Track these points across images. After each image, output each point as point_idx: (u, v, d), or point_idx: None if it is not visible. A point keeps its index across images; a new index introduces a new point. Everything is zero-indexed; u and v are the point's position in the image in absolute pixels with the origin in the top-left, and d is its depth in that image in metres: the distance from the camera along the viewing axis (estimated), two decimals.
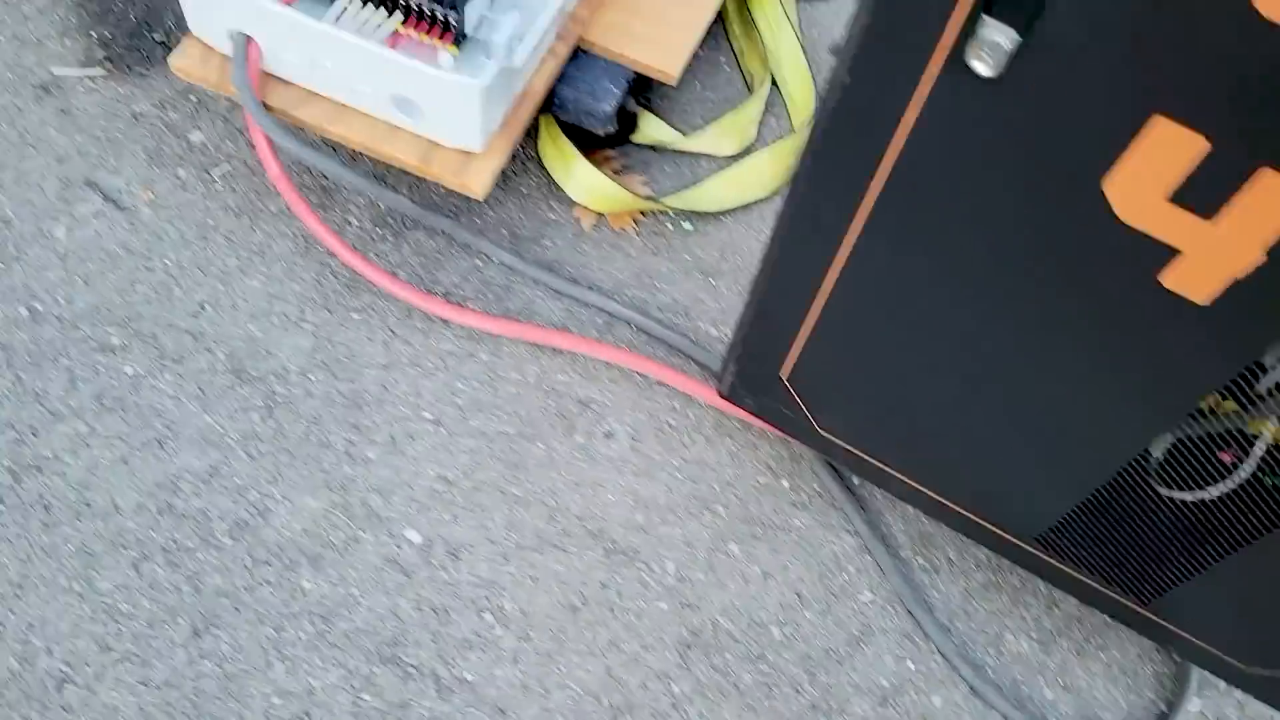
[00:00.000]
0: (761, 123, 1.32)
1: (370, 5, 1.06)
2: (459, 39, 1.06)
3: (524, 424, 1.12)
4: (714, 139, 1.28)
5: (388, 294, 1.16)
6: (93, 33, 1.27)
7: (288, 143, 1.06)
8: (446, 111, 1.03)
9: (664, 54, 1.18)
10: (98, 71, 1.25)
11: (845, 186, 0.72)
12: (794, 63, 1.34)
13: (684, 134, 1.28)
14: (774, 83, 1.34)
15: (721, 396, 1.03)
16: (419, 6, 1.04)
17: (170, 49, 1.27)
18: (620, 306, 1.17)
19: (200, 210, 1.19)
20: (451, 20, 1.04)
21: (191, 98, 1.25)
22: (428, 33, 1.06)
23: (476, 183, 1.07)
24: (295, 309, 1.15)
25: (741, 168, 1.27)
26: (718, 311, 1.20)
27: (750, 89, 1.34)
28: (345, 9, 1.05)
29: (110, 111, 1.23)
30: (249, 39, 1.04)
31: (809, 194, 0.76)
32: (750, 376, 0.97)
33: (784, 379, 0.94)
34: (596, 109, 1.17)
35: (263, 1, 1.00)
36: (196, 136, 1.23)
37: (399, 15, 1.05)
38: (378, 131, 1.07)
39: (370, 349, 1.14)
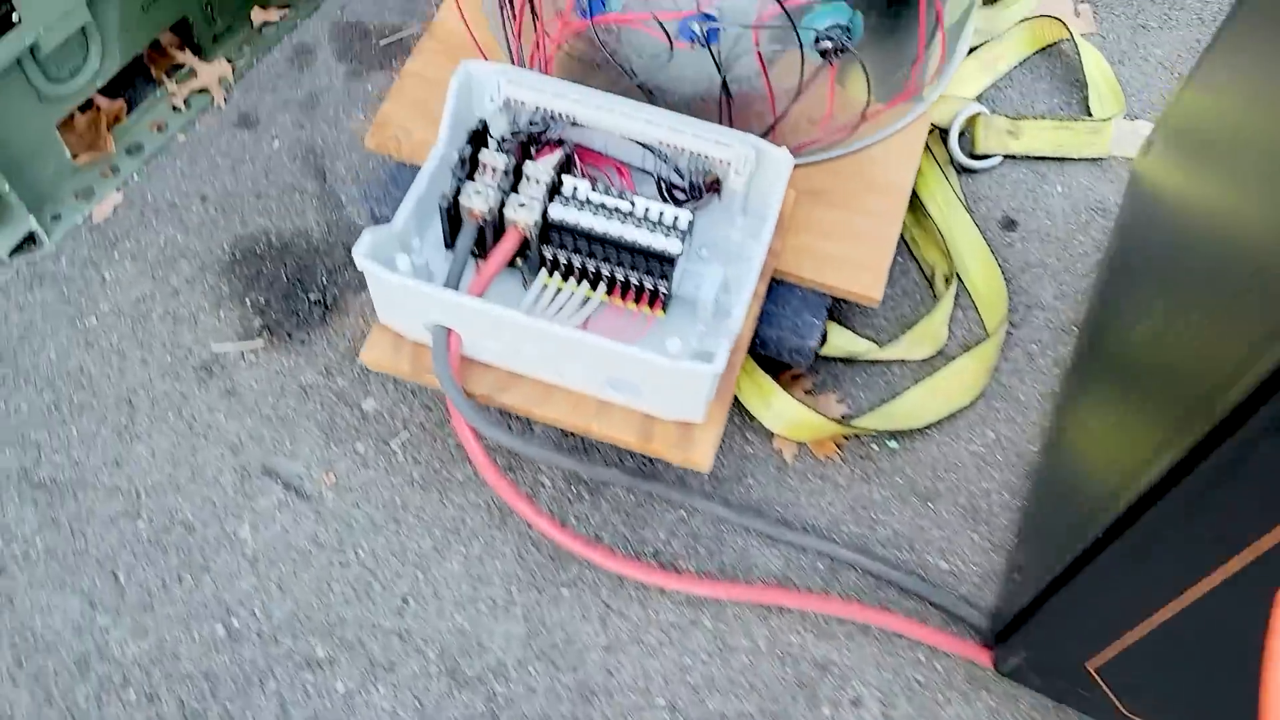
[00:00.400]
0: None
1: (572, 279, 0.99)
2: (666, 303, 0.99)
3: (765, 699, 1.03)
4: (907, 347, 1.21)
5: (596, 565, 1.08)
6: (246, 300, 1.21)
7: (492, 432, 0.99)
8: (671, 392, 0.96)
9: (863, 276, 1.10)
10: (257, 344, 1.19)
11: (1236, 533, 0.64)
12: (974, 250, 1.26)
13: (877, 344, 1.21)
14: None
15: (997, 669, 0.94)
16: (625, 279, 0.98)
17: (327, 307, 1.21)
18: (841, 549, 1.09)
19: (386, 488, 1.12)
20: (661, 289, 0.98)
21: (359, 362, 1.19)
22: (635, 302, 0.99)
23: (701, 455, 0.99)
24: (501, 591, 1.07)
25: (941, 377, 1.19)
26: (943, 541, 1.12)
27: (928, 279, 1.27)
28: (544, 287, 0.99)
29: (277, 387, 1.17)
30: (449, 330, 0.98)
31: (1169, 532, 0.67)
32: (1044, 666, 0.88)
33: (1092, 670, 0.85)
34: (803, 346, 1.09)
35: (461, 299, 0.94)
36: (370, 405, 1.17)
37: (602, 289, 0.98)
38: (587, 410, 1.00)
39: (587, 629, 1.06)
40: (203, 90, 1.34)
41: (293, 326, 1.20)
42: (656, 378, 0.95)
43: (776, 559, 1.10)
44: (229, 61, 1.36)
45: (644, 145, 1.04)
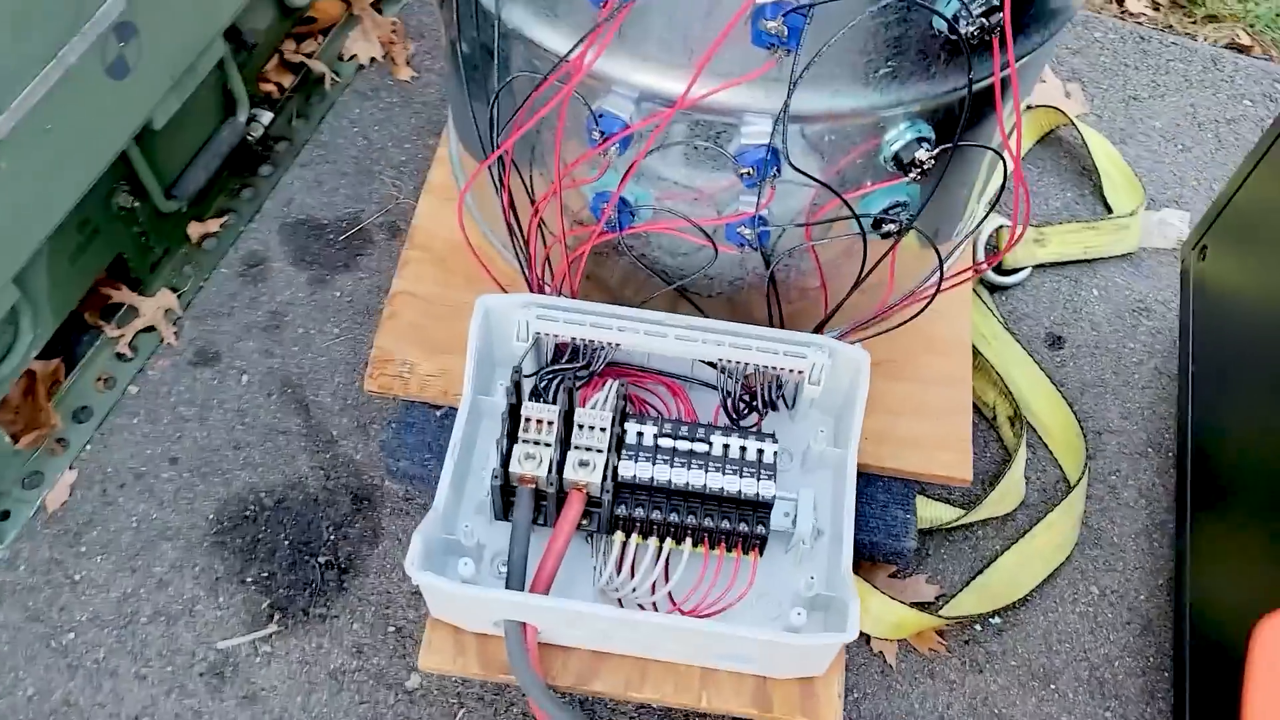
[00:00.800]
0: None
1: (653, 539, 0.86)
2: (763, 548, 0.87)
3: None
4: (992, 505, 1.10)
5: None
6: (247, 578, 1.05)
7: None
8: (796, 659, 0.84)
9: (946, 456, 1.00)
10: (270, 630, 1.03)
11: None
12: (1035, 386, 1.17)
13: (952, 504, 1.10)
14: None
15: None
16: (715, 527, 0.85)
17: (342, 569, 1.05)
18: None
19: None
20: (758, 534, 0.85)
21: (389, 627, 1.03)
22: (728, 550, 0.86)
23: (827, 712, 0.87)
24: None
25: (1033, 537, 1.09)
26: None
27: (989, 421, 1.17)
28: (619, 546, 0.85)
29: (304, 682, 1.01)
30: (523, 625, 0.84)
31: None
32: None
33: None
34: (901, 548, 0.98)
35: (539, 602, 0.80)
36: (414, 681, 1.01)
37: (688, 544, 0.86)
38: (691, 684, 0.87)
39: None
40: (149, 329, 1.17)
41: (306, 601, 1.05)
42: (783, 651, 0.82)
43: None
44: (173, 290, 1.19)
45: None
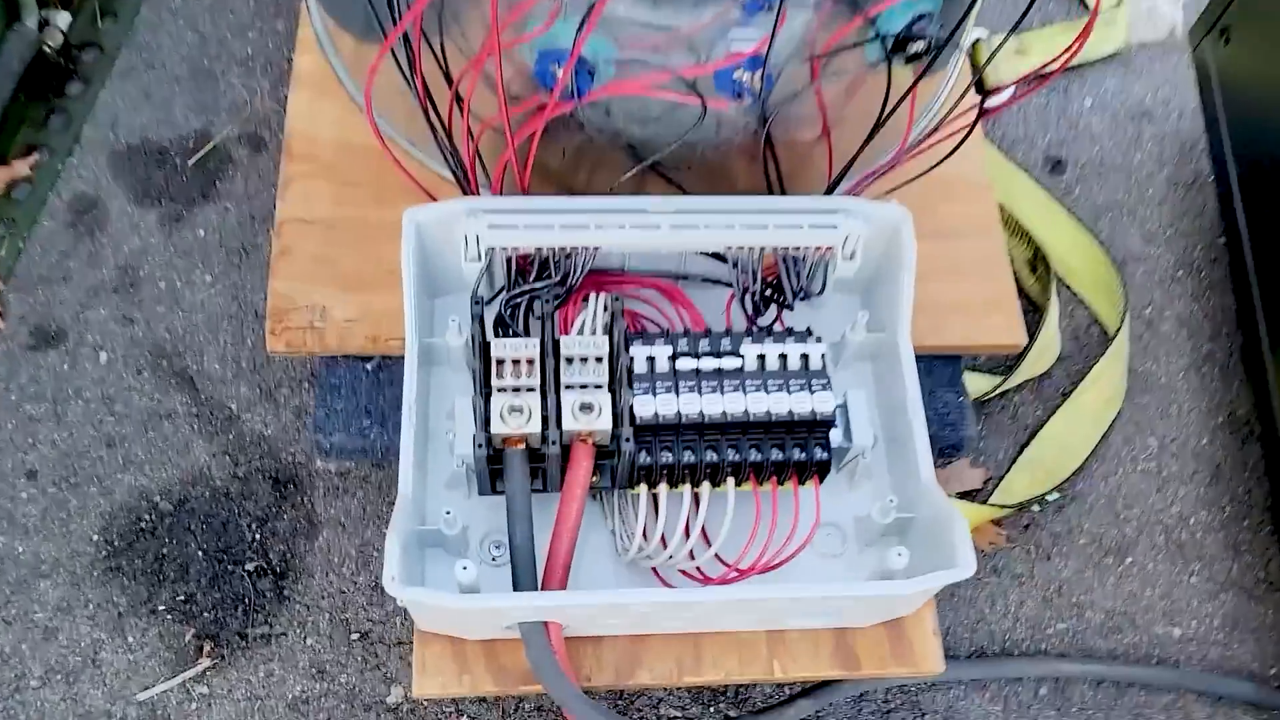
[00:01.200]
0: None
1: (687, 486, 0.67)
2: (825, 473, 0.69)
3: None
4: (1030, 365, 0.95)
5: None
6: (159, 607, 0.83)
7: None
8: (881, 605, 0.67)
9: (994, 320, 0.83)
10: (203, 665, 0.82)
11: None
12: (1051, 220, 1.01)
13: (997, 376, 0.95)
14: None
15: None
16: (762, 459, 0.67)
17: (277, 574, 0.84)
18: (1065, 664, 0.85)
19: None
20: (819, 456, 0.67)
21: (352, 635, 0.83)
22: (782, 482, 0.68)
23: (927, 658, 0.71)
24: None
25: (1081, 396, 0.94)
26: (1162, 602, 0.89)
27: None
28: (646, 507, 0.67)
29: (253, 712, 0.81)
30: (545, 624, 0.64)
31: None
32: None
33: None
34: (960, 438, 0.82)
35: (563, 599, 0.62)
36: (396, 694, 0.82)
37: (730, 484, 0.67)
38: (757, 653, 0.70)
39: None
40: None
41: (241, 622, 0.84)
42: (883, 601, 0.65)
43: (995, 706, 0.85)
44: None
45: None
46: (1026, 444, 0.94)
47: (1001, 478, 0.92)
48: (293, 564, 0.85)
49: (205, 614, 0.83)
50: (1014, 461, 0.93)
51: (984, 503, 0.90)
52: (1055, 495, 0.92)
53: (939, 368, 0.84)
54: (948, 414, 0.82)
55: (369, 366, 0.80)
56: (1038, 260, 0.98)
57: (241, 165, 0.99)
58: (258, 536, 0.86)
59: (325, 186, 0.83)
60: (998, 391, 0.94)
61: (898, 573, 0.64)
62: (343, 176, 0.83)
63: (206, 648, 0.82)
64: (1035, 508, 0.92)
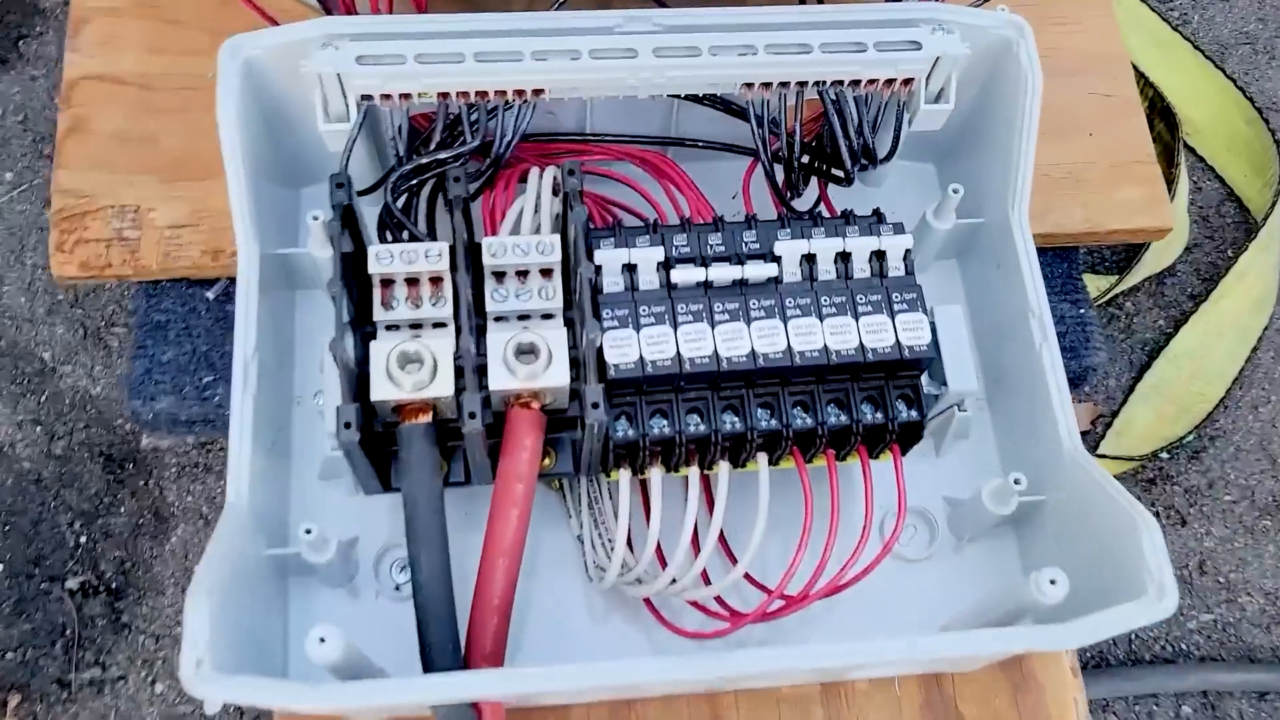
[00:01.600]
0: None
1: (694, 469, 0.42)
2: (909, 442, 0.44)
3: None
4: (1151, 261, 0.70)
5: None
6: None
7: None
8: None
9: (1134, 193, 0.58)
10: None
11: None
12: (1171, 58, 0.74)
13: (1110, 275, 0.70)
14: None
15: None
16: (823, 424, 0.41)
17: (114, 590, 0.60)
18: (1219, 673, 0.61)
19: None
20: (905, 416, 0.42)
21: None
22: (840, 458, 0.43)
23: (1064, 710, 0.47)
24: None
25: (1220, 300, 0.69)
26: None
27: None
28: (626, 502, 0.41)
29: None
30: (477, 707, 0.39)
31: None
32: None
33: None
34: (1083, 368, 0.57)
35: (516, 678, 0.36)
36: None
37: (764, 462, 0.42)
38: (809, 710, 0.46)
39: None
40: None
41: (61, 664, 0.59)
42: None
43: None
44: None
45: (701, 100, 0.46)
46: (1147, 366, 0.69)
47: (1115, 414, 0.68)
48: (134, 576, 0.61)
49: (9, 655, 0.58)
50: (1131, 391, 0.68)
51: (1093, 451, 0.66)
52: (1190, 437, 0.68)
53: (1047, 267, 0.58)
54: (1064, 334, 0.57)
55: (210, 295, 0.54)
56: (1154, 115, 0.72)
57: (51, 19, 0.71)
58: (83, 540, 0.61)
59: (136, 27, 0.56)
60: (1106, 297, 0.69)
61: (1046, 610, 0.39)
62: (163, 11, 0.57)
63: (12, 704, 0.58)
64: (1164, 455, 0.67)
